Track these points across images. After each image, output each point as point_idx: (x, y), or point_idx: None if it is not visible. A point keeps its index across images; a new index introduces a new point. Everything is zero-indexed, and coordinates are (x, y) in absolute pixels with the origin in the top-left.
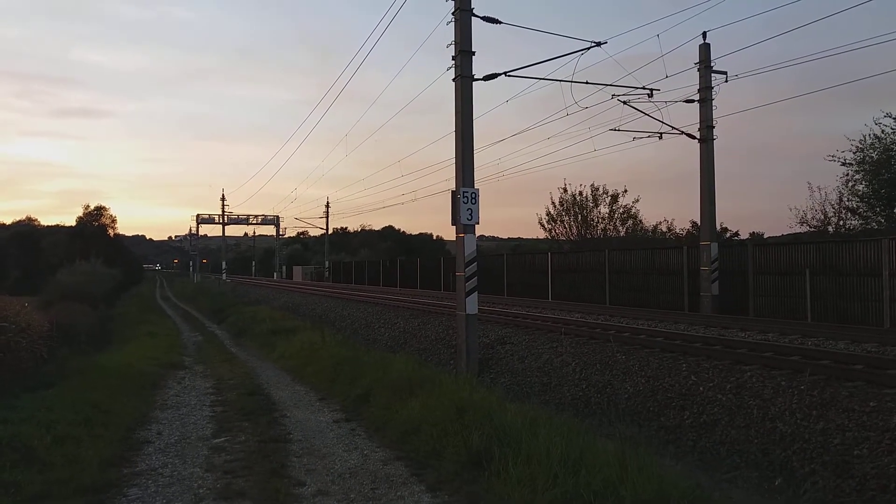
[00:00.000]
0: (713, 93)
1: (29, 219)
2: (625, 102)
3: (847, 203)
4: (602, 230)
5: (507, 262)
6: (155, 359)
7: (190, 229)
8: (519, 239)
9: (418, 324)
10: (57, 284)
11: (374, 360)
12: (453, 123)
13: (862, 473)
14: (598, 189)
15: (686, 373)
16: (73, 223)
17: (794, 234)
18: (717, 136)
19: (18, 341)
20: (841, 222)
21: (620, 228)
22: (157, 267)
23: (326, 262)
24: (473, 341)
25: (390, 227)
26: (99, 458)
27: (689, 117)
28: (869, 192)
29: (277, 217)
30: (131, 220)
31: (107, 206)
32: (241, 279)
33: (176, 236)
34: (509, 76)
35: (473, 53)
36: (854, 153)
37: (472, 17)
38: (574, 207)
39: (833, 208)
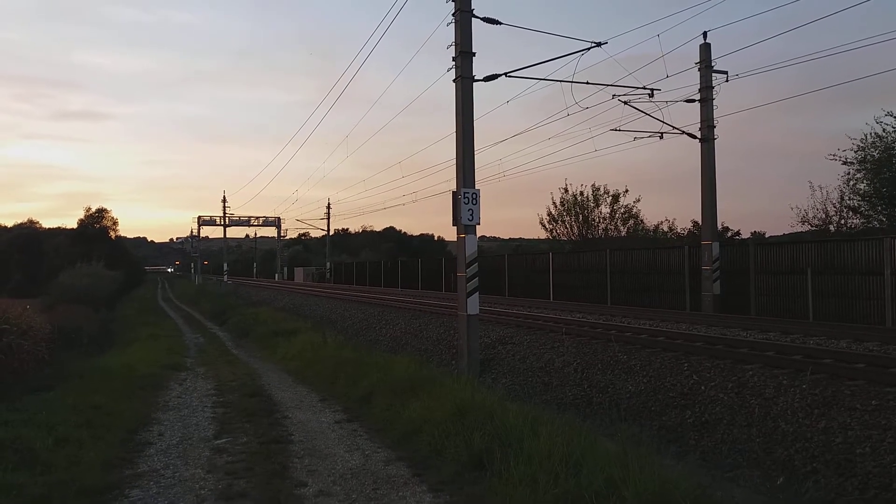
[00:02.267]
0: (714, 92)
1: (30, 221)
2: (625, 102)
3: (848, 202)
4: (603, 230)
5: (508, 262)
6: (156, 360)
7: (191, 231)
8: (520, 239)
9: (419, 324)
10: (59, 287)
11: (375, 360)
12: (454, 124)
13: (864, 472)
14: (598, 189)
15: (688, 372)
16: (75, 225)
17: (796, 233)
18: (718, 136)
19: (20, 344)
20: (842, 221)
21: (621, 228)
22: (170, 270)
23: (328, 264)
24: (475, 342)
25: (391, 228)
26: (101, 460)
27: (690, 117)
28: (870, 191)
29: (279, 218)
30: (133, 222)
31: (108, 209)
32: (243, 281)
33: (177, 238)
34: (510, 77)
35: (474, 54)
36: (855, 152)
37: (473, 18)
38: (575, 207)
39: (834, 207)
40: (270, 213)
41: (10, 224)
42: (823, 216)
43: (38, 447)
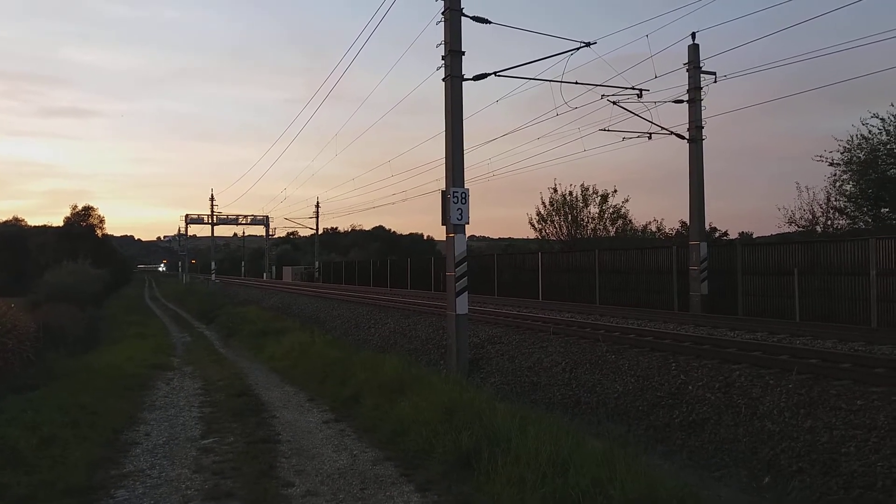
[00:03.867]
0: (702, 93)
1: (16, 219)
2: (614, 103)
3: (835, 203)
4: (592, 230)
5: (497, 261)
6: (143, 360)
7: (179, 230)
8: (510, 239)
9: (408, 324)
10: (44, 285)
11: (364, 360)
12: (443, 123)
13: (849, 471)
14: (588, 189)
15: (675, 372)
16: (61, 223)
17: (783, 233)
18: (706, 137)
19: (5, 343)
20: (829, 222)
21: (610, 228)
22: (161, 269)
23: (316, 263)
24: (464, 341)
25: (380, 228)
26: (86, 460)
27: (679, 117)
28: (856, 192)
29: (267, 217)
30: (120, 220)
31: (95, 207)
32: (231, 280)
33: (165, 236)
34: (499, 76)
35: (463, 53)
36: (841, 153)
37: (462, 17)
38: (564, 207)
39: (821, 208)
40: (259, 212)
41: None
42: (810, 217)
43: (22, 447)
